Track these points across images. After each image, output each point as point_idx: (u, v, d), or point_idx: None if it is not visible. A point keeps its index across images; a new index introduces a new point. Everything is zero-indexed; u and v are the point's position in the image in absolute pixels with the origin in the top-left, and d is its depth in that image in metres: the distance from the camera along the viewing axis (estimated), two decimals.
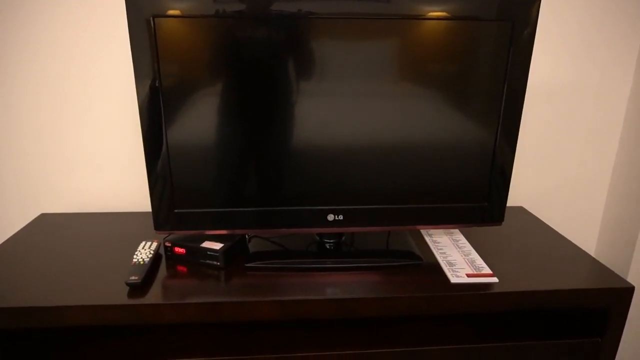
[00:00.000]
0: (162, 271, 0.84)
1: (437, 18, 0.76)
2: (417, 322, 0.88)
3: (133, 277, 0.78)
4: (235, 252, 0.89)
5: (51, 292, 0.76)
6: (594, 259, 0.92)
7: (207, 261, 0.86)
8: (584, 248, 1.29)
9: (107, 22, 1.01)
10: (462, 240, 0.98)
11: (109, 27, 1.01)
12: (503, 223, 0.91)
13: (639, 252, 1.14)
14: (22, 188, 1.12)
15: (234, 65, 0.76)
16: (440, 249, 0.94)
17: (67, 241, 0.95)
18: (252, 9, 0.73)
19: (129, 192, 1.14)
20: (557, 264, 0.89)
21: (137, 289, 0.77)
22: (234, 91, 0.78)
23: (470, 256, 0.90)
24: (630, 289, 0.82)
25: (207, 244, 0.86)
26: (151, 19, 0.72)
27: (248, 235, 0.95)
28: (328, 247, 0.92)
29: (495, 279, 0.82)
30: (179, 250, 0.87)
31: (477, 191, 0.87)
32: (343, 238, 0.94)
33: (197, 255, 0.86)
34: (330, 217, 0.85)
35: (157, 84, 0.76)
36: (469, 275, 0.83)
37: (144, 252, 0.85)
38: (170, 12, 0.73)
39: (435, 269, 0.87)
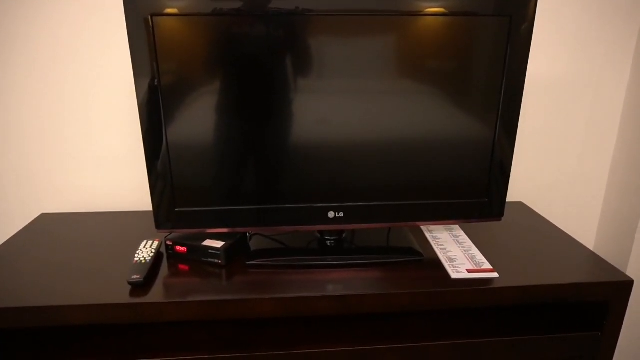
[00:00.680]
0: (164, 270, 0.84)
1: (435, 14, 0.76)
2: (418, 317, 0.89)
3: (135, 276, 0.78)
4: (236, 250, 0.89)
5: (53, 292, 0.77)
6: (593, 253, 0.92)
7: (209, 259, 0.86)
8: (583, 242, 1.30)
9: (106, 21, 1.01)
10: (463, 235, 0.98)
11: (108, 26, 1.01)
12: (503, 218, 0.91)
13: (637, 245, 1.14)
14: (23, 188, 1.12)
15: (233, 63, 0.77)
16: (441, 245, 0.94)
17: (68, 241, 0.96)
18: (250, 7, 0.73)
19: (129, 191, 1.14)
20: (556, 258, 0.90)
21: (139, 288, 0.78)
22: (232, 89, 0.78)
23: (471, 252, 0.91)
24: (630, 283, 0.82)
25: (208, 242, 0.86)
26: (149, 17, 0.72)
27: (249, 233, 0.95)
28: (329, 244, 0.93)
29: (495, 274, 0.83)
30: (180, 248, 0.87)
31: (477, 187, 0.88)
32: (344, 235, 0.95)
33: (198, 253, 0.86)
34: (331, 215, 0.86)
35: (156, 83, 0.76)
36: (469, 271, 0.83)
37: (145, 251, 0.85)
38: (168, 10, 0.73)
39: (436, 264, 0.87)
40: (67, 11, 0.99)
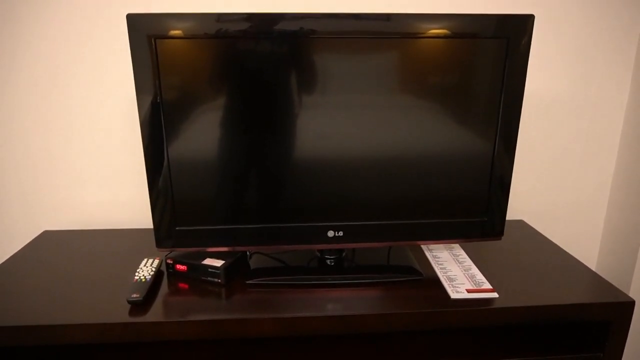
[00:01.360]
0: (164, 288, 0.85)
1: (435, 36, 0.78)
2: (418, 337, 0.88)
3: (134, 295, 0.78)
4: (236, 269, 0.89)
5: (53, 310, 0.77)
6: (594, 272, 0.92)
7: (209, 278, 0.86)
8: (585, 262, 1.29)
9: (109, 40, 1.03)
10: (463, 255, 0.98)
11: (111, 44, 1.03)
12: (503, 237, 0.91)
13: None
14: (26, 205, 1.13)
15: (234, 81, 0.78)
16: (441, 264, 0.94)
17: (69, 258, 0.96)
18: (252, 29, 0.75)
19: (131, 209, 1.15)
20: (557, 278, 0.89)
21: (138, 307, 0.78)
22: (233, 108, 0.79)
23: (471, 271, 0.91)
24: (631, 303, 0.82)
25: (208, 261, 0.86)
26: (152, 40, 0.74)
27: (249, 252, 0.96)
28: (329, 263, 0.93)
29: (495, 294, 0.83)
30: (181, 267, 0.88)
31: (477, 206, 0.88)
32: (344, 254, 0.95)
33: (198, 272, 0.87)
34: (331, 234, 0.86)
35: (158, 100, 0.77)
36: (469, 291, 0.83)
37: (145, 270, 0.86)
38: (171, 32, 0.74)
39: (436, 284, 0.87)
40: (71, 29, 1.01)
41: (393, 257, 0.95)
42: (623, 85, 1.15)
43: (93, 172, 1.12)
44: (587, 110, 1.17)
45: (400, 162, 0.84)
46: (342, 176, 0.84)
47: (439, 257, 0.97)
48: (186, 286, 0.85)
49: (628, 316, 0.83)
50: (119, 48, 1.03)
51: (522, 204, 1.24)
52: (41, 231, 1.14)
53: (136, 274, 0.85)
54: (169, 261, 0.89)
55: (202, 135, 0.80)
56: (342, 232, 0.86)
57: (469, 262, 0.95)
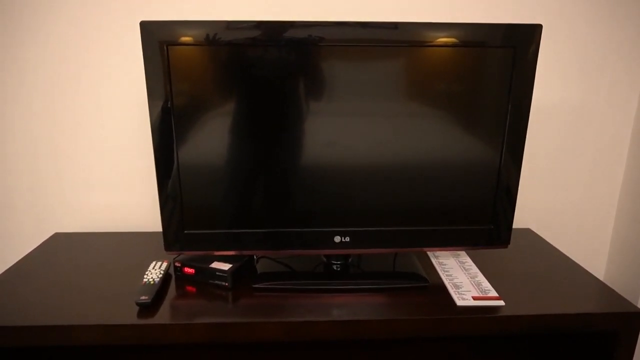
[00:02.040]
0: (172, 291, 0.86)
1: (443, 45, 0.78)
2: (424, 344, 0.88)
3: (143, 297, 0.79)
4: (243, 273, 0.90)
5: (63, 311, 0.78)
6: (601, 282, 0.91)
7: (216, 281, 0.87)
8: (593, 271, 1.28)
9: (119, 46, 1.05)
10: (469, 262, 0.98)
11: (122, 50, 1.05)
12: (510, 245, 0.91)
13: None
14: (37, 207, 1.15)
15: (244, 88, 0.79)
16: (447, 271, 0.94)
17: (79, 260, 0.97)
18: (261, 36, 0.76)
19: (140, 213, 1.16)
20: (564, 287, 0.89)
21: (146, 309, 0.79)
22: (243, 114, 0.80)
23: (477, 278, 0.91)
24: (639, 314, 0.81)
25: (215, 265, 0.87)
26: (165, 46, 0.76)
27: (256, 256, 0.96)
28: (335, 268, 0.93)
29: (501, 302, 0.82)
30: (189, 270, 0.89)
31: (483, 213, 0.88)
32: (350, 259, 0.95)
33: (206, 275, 0.88)
34: (337, 239, 0.86)
35: (169, 106, 0.78)
36: (475, 298, 0.83)
37: (154, 272, 0.87)
38: (183, 40, 0.76)
39: (442, 291, 0.87)
40: (83, 34, 1.04)
41: (399, 264, 0.96)
42: (631, 94, 1.15)
43: (103, 176, 1.13)
44: (595, 119, 1.17)
45: (408, 169, 0.84)
46: (349, 182, 0.85)
47: (445, 264, 0.97)
48: (193, 289, 0.86)
49: (636, 327, 0.82)
50: (130, 53, 1.05)
51: (530, 212, 1.23)
52: (52, 233, 1.16)
53: (145, 276, 0.86)
54: (177, 264, 0.90)
55: (212, 140, 0.81)
56: (348, 237, 0.86)
57: (475, 269, 0.95)
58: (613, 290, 0.88)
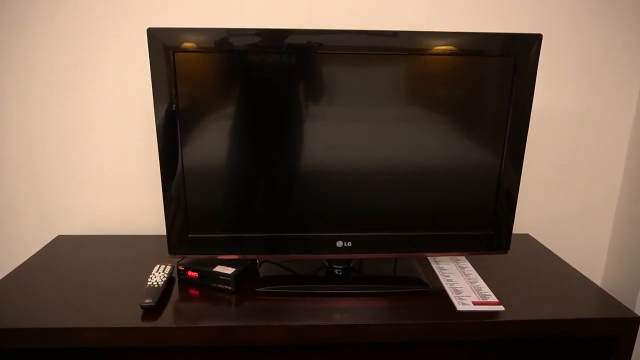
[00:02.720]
0: (175, 294, 0.86)
1: (443, 53, 0.80)
2: (424, 348, 0.89)
3: (147, 300, 0.80)
4: (246, 277, 0.91)
5: (67, 314, 0.79)
6: (599, 288, 0.93)
7: (219, 285, 0.88)
8: (591, 277, 1.29)
9: (126, 50, 1.06)
10: (469, 267, 0.99)
11: (127, 54, 1.06)
12: (509, 250, 0.92)
13: None
14: (40, 210, 1.16)
15: (248, 94, 0.80)
16: (447, 276, 0.95)
17: (83, 263, 0.98)
18: (264, 43, 0.77)
19: (144, 216, 1.17)
20: (563, 292, 0.90)
21: (151, 312, 0.80)
22: (246, 119, 0.81)
23: (477, 283, 0.92)
24: (636, 319, 0.82)
25: (219, 268, 0.88)
26: (171, 52, 0.77)
27: (258, 260, 0.97)
28: (337, 272, 0.94)
29: (501, 307, 0.83)
30: (192, 274, 0.90)
31: (483, 219, 0.89)
32: (351, 264, 0.96)
33: (209, 279, 0.88)
34: (339, 244, 0.87)
35: (174, 110, 0.79)
36: (475, 303, 0.84)
37: (158, 276, 0.88)
38: (189, 46, 0.77)
39: (442, 295, 0.88)
40: (90, 39, 1.05)
41: (400, 268, 0.97)
42: (630, 101, 1.17)
43: (107, 179, 1.14)
44: (594, 126, 1.18)
45: (409, 175, 0.86)
46: (351, 187, 0.86)
47: (445, 269, 0.98)
48: (197, 293, 0.87)
49: (633, 332, 0.83)
50: (135, 58, 1.06)
51: (529, 218, 1.25)
52: (55, 236, 1.16)
53: (149, 279, 0.87)
54: (181, 268, 0.91)
55: (216, 144, 0.82)
56: (350, 242, 0.87)
57: (475, 274, 0.96)
58: (611, 296, 0.89)
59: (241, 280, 0.89)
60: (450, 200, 0.88)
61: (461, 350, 0.89)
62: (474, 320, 0.80)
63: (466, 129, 0.84)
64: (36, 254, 1.03)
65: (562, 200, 1.24)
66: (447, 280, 0.93)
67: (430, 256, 1.03)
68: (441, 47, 0.79)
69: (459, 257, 1.04)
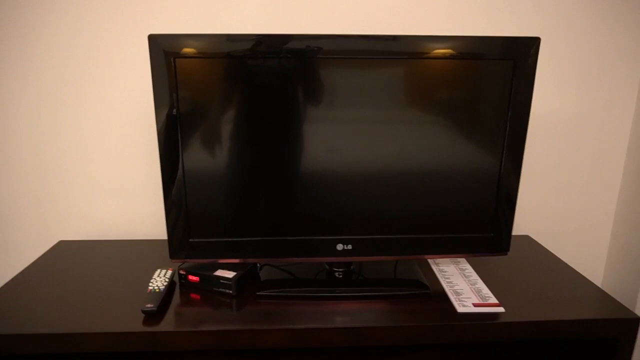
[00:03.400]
0: (177, 298, 0.87)
1: (443, 57, 0.80)
2: (425, 350, 0.89)
3: (149, 305, 0.80)
4: (247, 280, 0.91)
5: (69, 319, 0.79)
6: (599, 289, 0.93)
7: (220, 289, 0.88)
8: (591, 278, 1.30)
9: (127, 55, 1.06)
10: (469, 269, 0.99)
11: (129, 59, 1.07)
12: (509, 252, 0.92)
13: None
14: (42, 215, 1.16)
15: (248, 98, 0.81)
16: (447, 278, 0.95)
17: (85, 268, 0.99)
18: (264, 48, 0.78)
19: (145, 221, 1.18)
20: (563, 294, 0.90)
21: (152, 316, 0.80)
22: (246, 124, 0.82)
23: (477, 285, 0.92)
24: (636, 320, 0.82)
25: (220, 272, 0.89)
26: (172, 58, 0.77)
27: (259, 264, 0.98)
28: (337, 275, 0.94)
29: (501, 309, 0.84)
30: (193, 278, 0.90)
31: (483, 221, 0.90)
32: (352, 267, 0.96)
33: (210, 283, 0.89)
34: (340, 247, 0.88)
35: (174, 114, 0.80)
36: (475, 305, 0.85)
37: (159, 280, 0.88)
38: (190, 52, 0.77)
39: (442, 298, 0.88)
40: (92, 44, 1.05)
41: (400, 271, 0.97)
42: (629, 102, 1.17)
43: (108, 184, 1.15)
44: (594, 127, 1.19)
45: (409, 178, 0.86)
46: (351, 191, 0.86)
47: (445, 271, 0.98)
48: (198, 297, 0.87)
49: (633, 333, 0.83)
50: (136, 64, 1.07)
51: (529, 220, 1.25)
52: (57, 241, 1.17)
53: (150, 284, 0.87)
54: (182, 272, 0.91)
55: (217, 149, 0.83)
56: (350, 245, 0.88)
57: (475, 276, 0.96)
58: (611, 297, 0.89)
59: (242, 284, 0.89)
60: (450, 203, 0.88)
61: (462, 352, 0.89)
62: (474, 322, 0.80)
63: (466, 132, 0.85)
64: (38, 259, 1.03)
65: (562, 201, 1.24)
66: (448, 282, 0.94)
67: (431, 258, 1.04)
68: (441, 51, 0.80)
69: (459, 259, 1.04)
